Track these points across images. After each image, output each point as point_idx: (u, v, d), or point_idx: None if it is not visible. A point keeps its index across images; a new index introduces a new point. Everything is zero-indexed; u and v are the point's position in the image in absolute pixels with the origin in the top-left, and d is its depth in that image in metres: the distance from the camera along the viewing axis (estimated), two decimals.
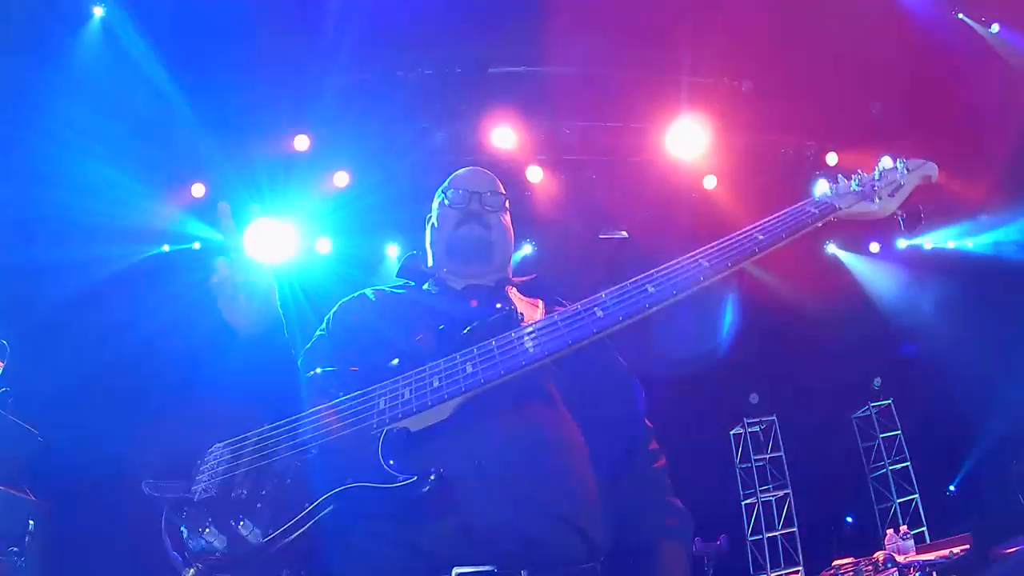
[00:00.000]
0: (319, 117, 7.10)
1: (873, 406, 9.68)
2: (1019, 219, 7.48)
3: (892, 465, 9.40)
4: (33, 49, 5.62)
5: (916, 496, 9.11)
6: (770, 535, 9.51)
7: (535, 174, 7.54)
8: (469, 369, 1.46)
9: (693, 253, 1.51)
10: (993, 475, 7.52)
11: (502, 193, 2.07)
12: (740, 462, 9.96)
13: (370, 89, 6.86)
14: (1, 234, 5.55)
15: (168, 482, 1.51)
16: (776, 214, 1.58)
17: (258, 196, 7.39)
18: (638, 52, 6.81)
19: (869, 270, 8.85)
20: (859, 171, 1.66)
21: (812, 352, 8.60)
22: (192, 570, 1.39)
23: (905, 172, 1.66)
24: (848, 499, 9.56)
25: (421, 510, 1.37)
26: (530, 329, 1.49)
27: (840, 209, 1.61)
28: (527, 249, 8.44)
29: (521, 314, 1.65)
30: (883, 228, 8.62)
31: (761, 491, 9.69)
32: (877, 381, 9.54)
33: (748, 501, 9.76)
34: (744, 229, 1.55)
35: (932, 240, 8.50)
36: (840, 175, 1.67)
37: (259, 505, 1.41)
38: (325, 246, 7.63)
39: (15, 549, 3.34)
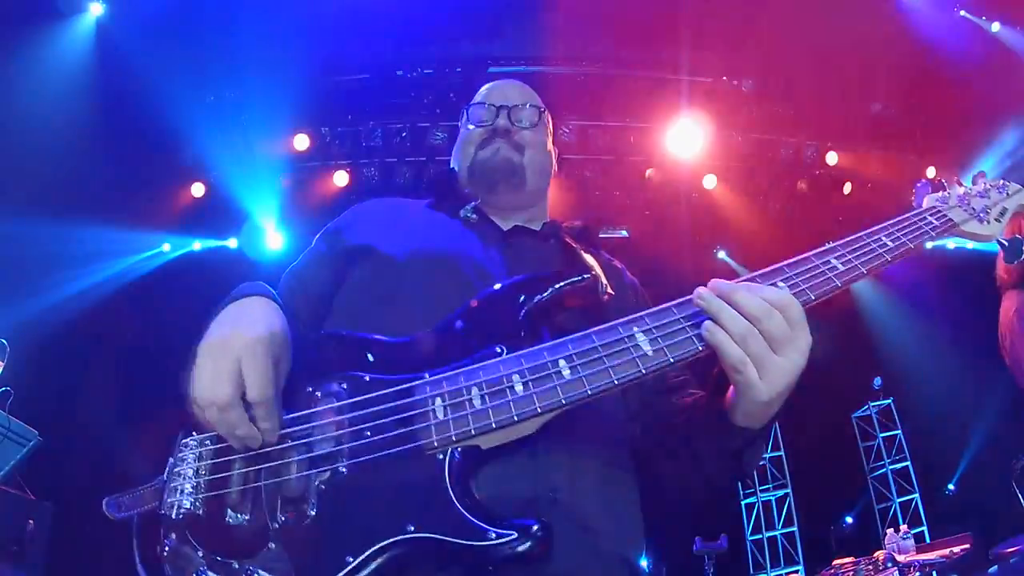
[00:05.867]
0: (319, 117, 7.10)
1: (873, 406, 9.67)
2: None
3: (892, 465, 9.39)
4: (26, 38, 5.60)
5: (916, 496, 9.10)
6: (770, 535, 9.51)
7: None
8: (567, 374, 1.05)
9: (821, 250, 1.26)
10: (993, 474, 7.51)
11: (539, 107, 1.65)
12: None
13: (370, 89, 6.87)
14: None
15: (137, 490, 1.08)
16: (895, 221, 1.32)
17: (258, 196, 7.40)
18: (638, 52, 6.81)
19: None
20: (960, 183, 1.43)
21: (812, 352, 8.57)
22: None
23: (1007, 195, 1.44)
24: (848, 499, 9.55)
25: (510, 573, 0.99)
26: (647, 324, 1.09)
27: (956, 225, 1.35)
28: None
29: (606, 287, 1.26)
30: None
31: (761, 491, 9.68)
32: (877, 381, 9.53)
33: (748, 501, 9.76)
34: (863, 233, 1.28)
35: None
36: (944, 182, 1.43)
37: (272, 546, 0.99)
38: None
39: (15, 549, 3.34)
